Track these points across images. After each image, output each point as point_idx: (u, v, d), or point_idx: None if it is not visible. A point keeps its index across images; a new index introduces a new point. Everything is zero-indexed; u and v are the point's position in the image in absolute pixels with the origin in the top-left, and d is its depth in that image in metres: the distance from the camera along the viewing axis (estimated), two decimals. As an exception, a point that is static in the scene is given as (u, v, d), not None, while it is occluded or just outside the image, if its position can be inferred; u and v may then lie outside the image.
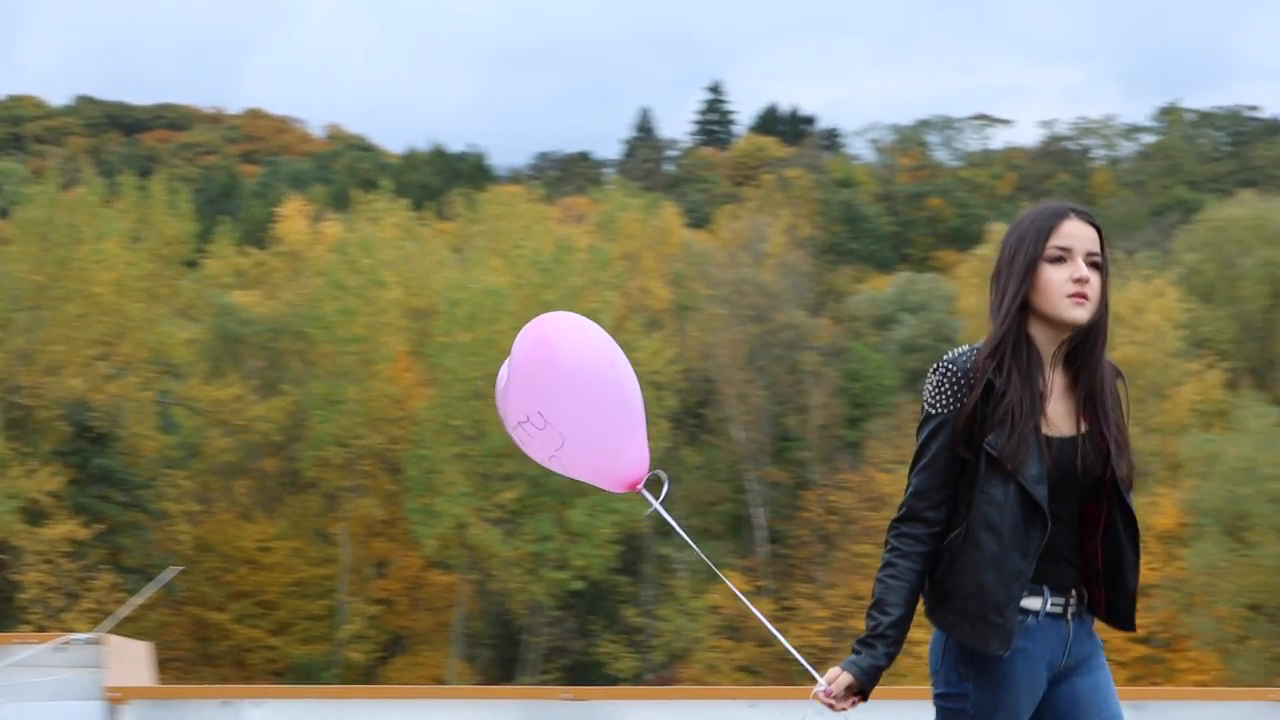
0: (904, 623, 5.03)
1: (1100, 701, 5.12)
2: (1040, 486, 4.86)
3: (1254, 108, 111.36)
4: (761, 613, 5.51)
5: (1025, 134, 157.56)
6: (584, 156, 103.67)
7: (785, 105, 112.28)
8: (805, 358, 60.58)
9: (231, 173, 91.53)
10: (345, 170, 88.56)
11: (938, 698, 5.10)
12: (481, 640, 57.17)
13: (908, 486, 5.06)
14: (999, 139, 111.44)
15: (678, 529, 6.18)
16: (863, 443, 59.43)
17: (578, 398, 6.01)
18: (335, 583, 56.38)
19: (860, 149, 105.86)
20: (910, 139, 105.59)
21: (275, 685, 43.10)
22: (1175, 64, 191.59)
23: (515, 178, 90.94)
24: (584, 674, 53.52)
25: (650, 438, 6.15)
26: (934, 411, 4.98)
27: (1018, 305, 4.97)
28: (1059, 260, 4.97)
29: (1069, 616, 5.03)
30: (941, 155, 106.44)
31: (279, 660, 55.17)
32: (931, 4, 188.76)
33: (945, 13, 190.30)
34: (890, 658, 5.04)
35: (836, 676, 5.02)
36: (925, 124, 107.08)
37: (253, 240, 69.24)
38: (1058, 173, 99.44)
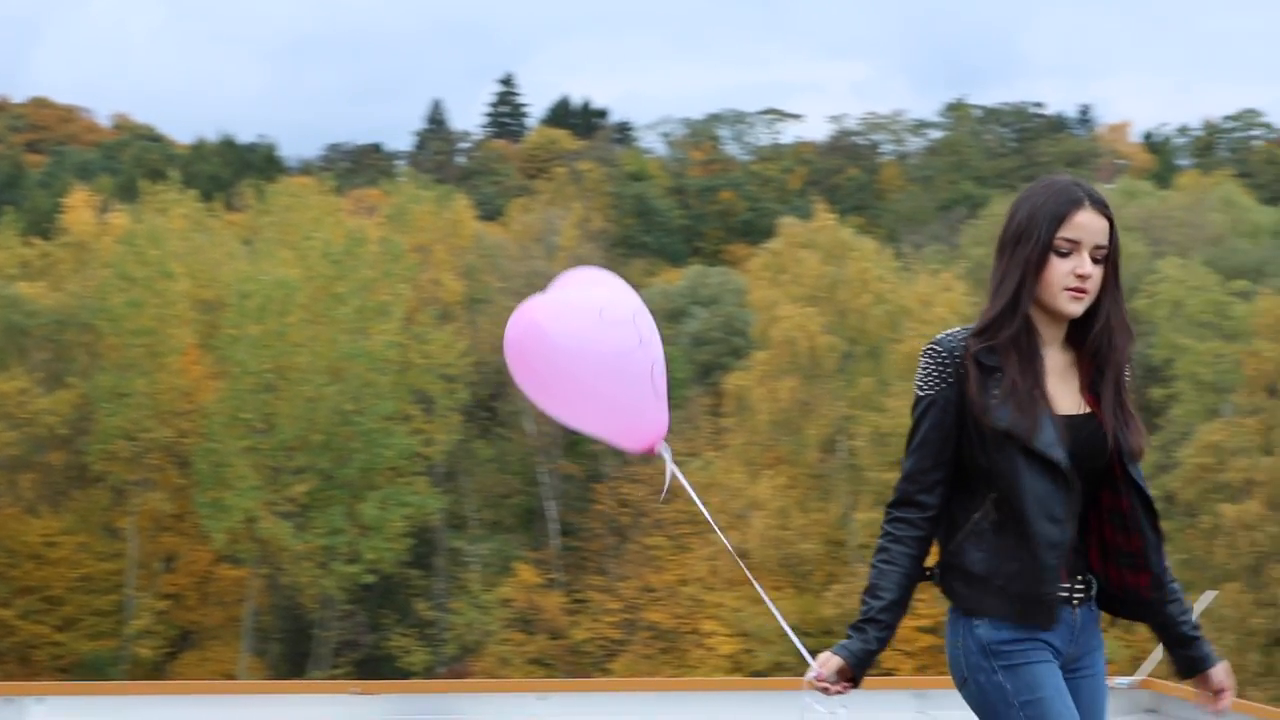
0: (897, 607, 4.96)
1: (1098, 703, 5.09)
2: (1055, 449, 4.79)
3: (1038, 104, 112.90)
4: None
5: (815, 129, 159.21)
6: (375, 148, 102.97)
7: (577, 98, 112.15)
8: (598, 350, 60.63)
9: (16, 162, 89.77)
10: (132, 160, 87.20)
11: (973, 698, 5.01)
12: (272, 635, 56.62)
13: (901, 470, 5.01)
14: (789, 133, 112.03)
15: (695, 498, 6.26)
16: (655, 435, 59.57)
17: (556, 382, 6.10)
18: (123, 578, 55.52)
19: (652, 142, 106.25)
20: (702, 133, 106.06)
21: (60, 682, 42.44)
22: (962, 61, 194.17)
23: (306, 169, 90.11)
24: (375, 668, 53.21)
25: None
26: (922, 393, 4.95)
27: (1024, 293, 4.90)
28: (1065, 253, 4.89)
29: (1075, 604, 4.95)
30: (733, 149, 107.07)
31: (65, 657, 54.23)
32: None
33: (735, 7, 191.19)
34: (882, 643, 4.97)
35: (827, 660, 4.97)
36: (716, 118, 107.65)
37: (38, 231, 67.96)
38: (847, 167, 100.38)
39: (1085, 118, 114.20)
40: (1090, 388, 4.94)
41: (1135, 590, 4.98)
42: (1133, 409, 4.97)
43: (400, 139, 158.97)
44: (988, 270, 4.99)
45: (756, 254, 62.80)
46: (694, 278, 71.84)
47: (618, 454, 58.53)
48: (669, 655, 53.49)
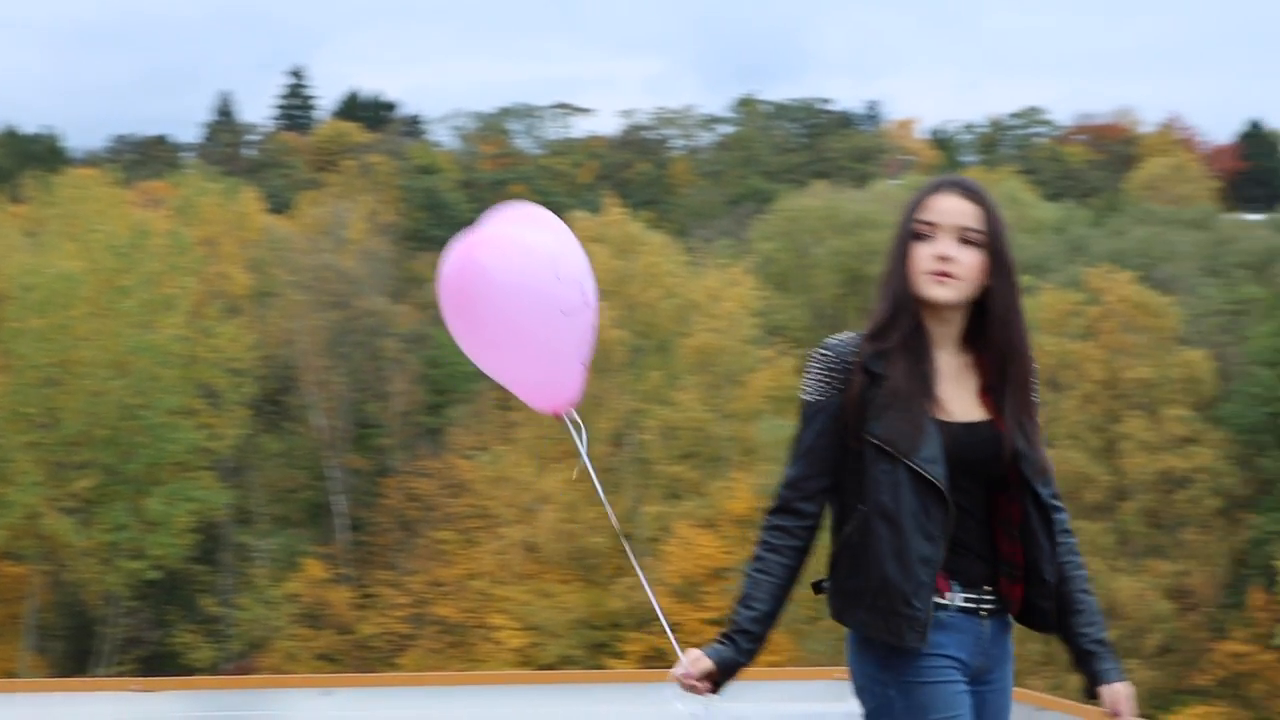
0: (769, 619, 4.85)
1: (1007, 709, 4.93)
2: (934, 465, 4.63)
3: (826, 100, 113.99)
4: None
5: (606, 123, 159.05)
6: (162, 140, 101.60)
7: (367, 91, 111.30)
8: (386, 344, 60.35)
9: None
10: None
11: (866, 710, 4.89)
12: (55, 632, 55.70)
13: (782, 477, 4.85)
14: (580, 128, 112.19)
15: (590, 467, 6.13)
16: (443, 429, 59.44)
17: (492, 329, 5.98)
18: (-101, 576, 54.41)
19: (442, 136, 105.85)
20: (492, 127, 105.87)
21: None
22: (752, 57, 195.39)
23: (91, 160, 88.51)
24: (160, 665, 52.56)
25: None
26: (809, 399, 4.79)
27: (898, 285, 4.77)
28: (924, 236, 4.75)
29: (984, 614, 4.80)
30: (523, 143, 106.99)
31: None
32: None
33: (527, 1, 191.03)
34: (751, 655, 4.86)
35: (698, 660, 4.86)
36: (507, 112, 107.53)
37: None
38: (637, 162, 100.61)
39: (873, 114, 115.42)
40: (988, 391, 4.80)
41: (1015, 601, 4.82)
42: (1036, 415, 4.83)
43: (188, 131, 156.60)
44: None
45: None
46: (483, 271, 71.68)
47: (406, 448, 58.39)
48: (458, 649, 53.36)
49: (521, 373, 6.06)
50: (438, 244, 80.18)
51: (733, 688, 8.46)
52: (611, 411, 54.81)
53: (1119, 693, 4.83)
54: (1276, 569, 43.11)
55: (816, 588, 4.97)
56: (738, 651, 4.83)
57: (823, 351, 4.82)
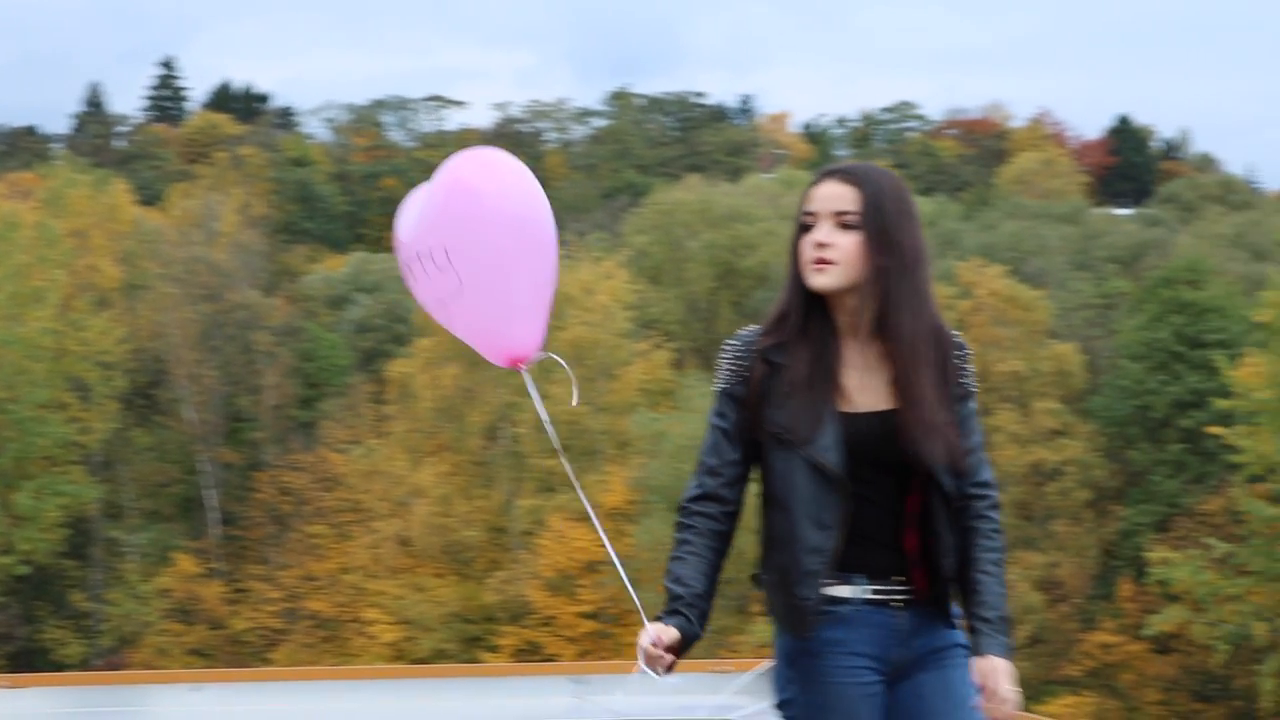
0: (707, 598, 4.68)
1: (951, 700, 4.75)
2: (829, 454, 4.59)
3: (700, 94, 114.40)
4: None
5: (479, 116, 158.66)
6: (30, 131, 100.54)
7: (239, 82, 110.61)
8: (258, 338, 59.94)
9: None
10: None
11: (775, 708, 4.83)
12: (-80, 630, 55.04)
13: (698, 464, 4.83)
14: (453, 120, 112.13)
15: (547, 423, 5.73)
16: (316, 423, 59.14)
17: (496, 248, 5.53)
18: None
19: (315, 128, 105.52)
20: (365, 119, 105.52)
21: None
22: (626, 50, 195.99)
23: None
24: (29, 661, 52.01)
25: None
26: (719, 388, 4.77)
27: (792, 276, 4.74)
28: (808, 226, 4.72)
29: (897, 605, 4.71)
30: (396, 136, 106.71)
31: None
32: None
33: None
34: (702, 629, 4.66)
35: (665, 629, 4.60)
36: (380, 104, 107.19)
37: None
38: (513, 152, 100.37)
39: (746, 108, 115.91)
40: (897, 382, 4.68)
41: (923, 591, 4.73)
42: (949, 402, 4.70)
43: (57, 122, 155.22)
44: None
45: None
46: (357, 265, 71.44)
47: (278, 442, 58.01)
48: (331, 644, 53.10)
49: (476, 328, 5.72)
50: (310, 237, 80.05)
51: (605, 681, 8.47)
52: (485, 405, 54.71)
53: (989, 665, 4.65)
54: (1145, 560, 43.58)
55: (755, 580, 4.87)
56: (690, 624, 4.62)
57: (731, 341, 4.80)
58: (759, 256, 63.52)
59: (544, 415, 5.68)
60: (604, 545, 5.37)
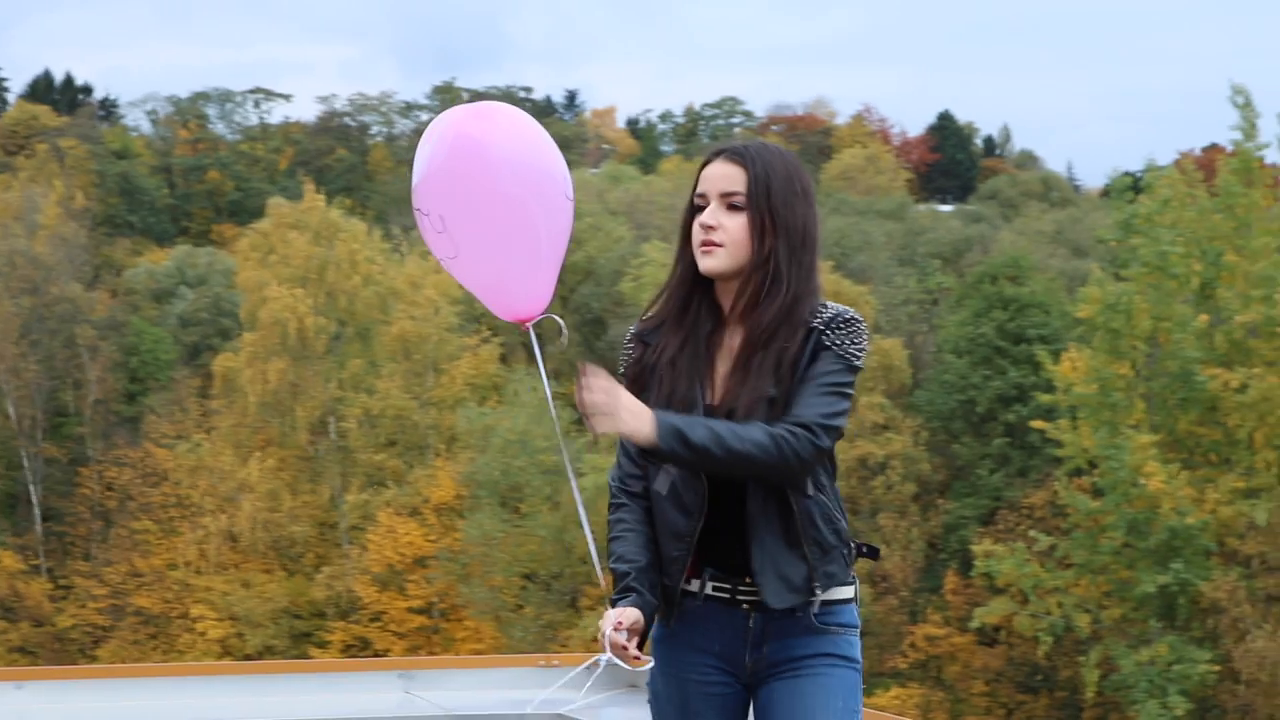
0: (651, 570, 4.53)
1: (801, 711, 4.54)
2: None
3: (526, 89, 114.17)
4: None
5: (304, 109, 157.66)
6: None
7: (59, 73, 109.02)
8: (81, 332, 59.16)
9: None
10: None
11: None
12: None
13: (618, 445, 4.67)
14: (278, 114, 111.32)
15: (546, 381, 5.75)
16: (141, 418, 58.50)
17: (488, 216, 5.36)
18: None
19: (137, 120, 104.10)
20: (188, 111, 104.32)
21: None
22: (451, 43, 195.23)
23: None
24: None
25: None
26: (619, 373, 4.60)
27: (679, 260, 4.63)
28: (699, 209, 4.59)
29: (745, 605, 4.53)
30: (220, 128, 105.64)
31: None
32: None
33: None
34: (652, 599, 4.51)
35: (624, 612, 4.44)
36: (203, 96, 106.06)
37: None
38: (337, 148, 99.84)
39: (572, 103, 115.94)
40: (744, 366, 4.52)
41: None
42: (763, 393, 4.44)
43: None
44: None
45: (245, 234, 62.10)
46: (181, 258, 70.74)
47: (103, 437, 57.30)
48: (157, 641, 52.60)
49: (479, 286, 5.59)
50: (133, 230, 78.93)
51: (434, 676, 8.47)
52: (312, 400, 54.41)
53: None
54: (971, 553, 44.08)
55: None
56: (644, 598, 4.48)
57: (630, 328, 4.73)
58: (585, 251, 63.55)
59: (548, 388, 5.75)
60: (584, 532, 5.20)
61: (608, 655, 4.42)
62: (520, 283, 5.55)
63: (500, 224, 5.40)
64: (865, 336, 4.54)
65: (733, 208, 4.54)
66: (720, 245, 4.51)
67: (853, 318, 4.51)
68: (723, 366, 4.55)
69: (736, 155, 4.59)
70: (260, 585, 52.39)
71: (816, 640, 4.54)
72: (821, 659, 4.54)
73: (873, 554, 4.71)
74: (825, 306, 4.53)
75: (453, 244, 5.42)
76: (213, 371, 57.72)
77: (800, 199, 4.61)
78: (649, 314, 4.70)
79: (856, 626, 4.64)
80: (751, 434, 4.31)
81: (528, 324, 5.56)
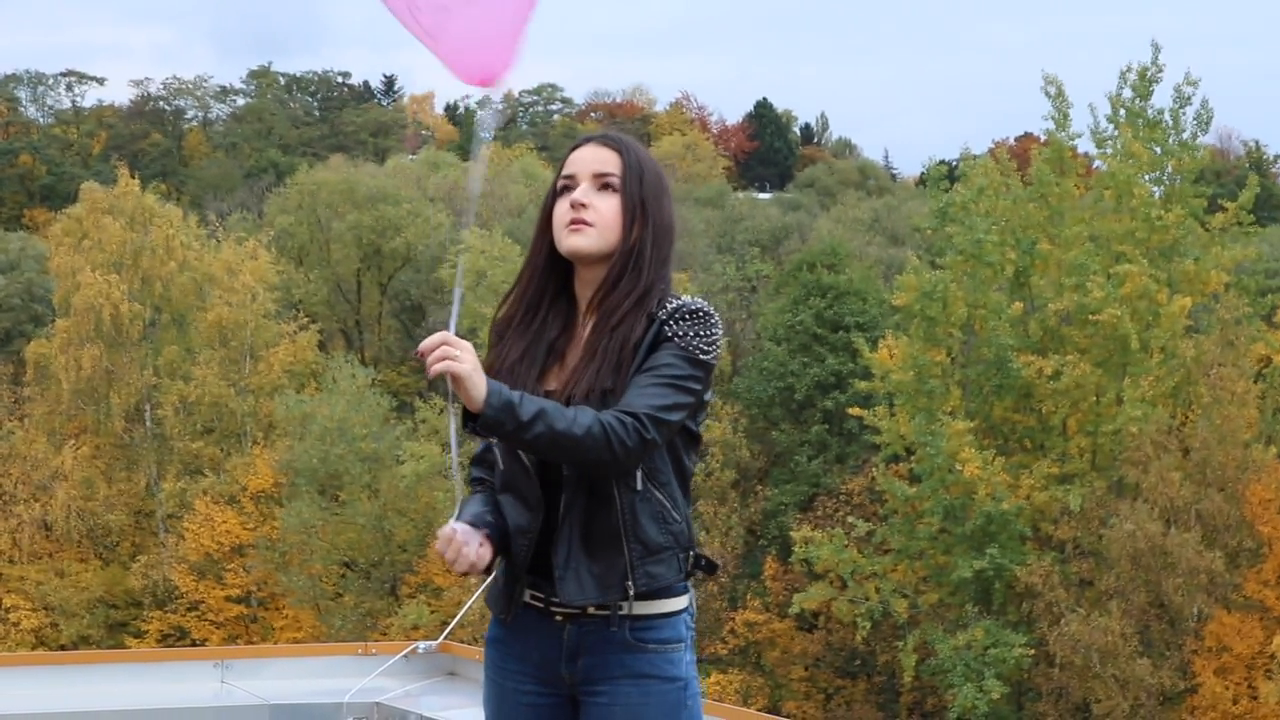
0: (497, 515, 4.41)
1: None
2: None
3: (344, 74, 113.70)
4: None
5: (118, 93, 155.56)
6: None
7: None
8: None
9: None
10: None
11: None
12: None
13: None
14: (91, 97, 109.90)
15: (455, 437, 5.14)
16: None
17: None
18: None
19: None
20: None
21: None
22: (268, 28, 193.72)
23: None
24: None
25: None
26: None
27: (535, 247, 4.54)
28: (565, 190, 4.50)
29: (559, 616, 4.42)
30: (31, 112, 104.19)
31: None
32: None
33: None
34: (494, 522, 4.39)
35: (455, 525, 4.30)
36: (14, 79, 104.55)
37: None
38: (152, 132, 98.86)
39: (390, 88, 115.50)
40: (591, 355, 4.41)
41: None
42: (601, 382, 4.34)
43: None
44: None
45: (58, 220, 61.22)
46: (-8, 243, 69.74)
47: None
48: (-32, 632, 51.78)
49: (461, 34, 4.66)
50: (-58, 215, 77.03)
51: (251, 665, 8.39)
52: (127, 386, 53.78)
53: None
54: (790, 539, 44.38)
55: None
56: (487, 518, 4.39)
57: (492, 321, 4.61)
58: (404, 238, 63.36)
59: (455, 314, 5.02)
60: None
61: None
62: (507, 34, 4.70)
63: None
64: (716, 330, 4.41)
65: (606, 189, 4.47)
66: (591, 224, 4.43)
67: (700, 309, 4.41)
68: (572, 357, 4.46)
69: (611, 141, 4.54)
70: (75, 574, 51.74)
71: (633, 659, 4.40)
72: (639, 681, 4.40)
73: (709, 569, 4.55)
74: (674, 298, 4.44)
75: None
76: (25, 358, 56.84)
77: (666, 194, 4.57)
78: (503, 308, 4.59)
79: (682, 641, 4.48)
80: (579, 418, 4.16)
81: (493, 83, 4.69)
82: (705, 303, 4.43)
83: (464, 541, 4.27)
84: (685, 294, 4.47)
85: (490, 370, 4.35)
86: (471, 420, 4.14)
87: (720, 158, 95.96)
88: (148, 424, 54.05)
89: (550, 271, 4.54)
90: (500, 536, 4.38)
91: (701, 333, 4.37)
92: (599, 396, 4.31)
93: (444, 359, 4.06)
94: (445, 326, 4.40)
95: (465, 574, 4.28)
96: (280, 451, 51.05)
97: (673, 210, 4.59)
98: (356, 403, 48.91)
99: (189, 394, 53.08)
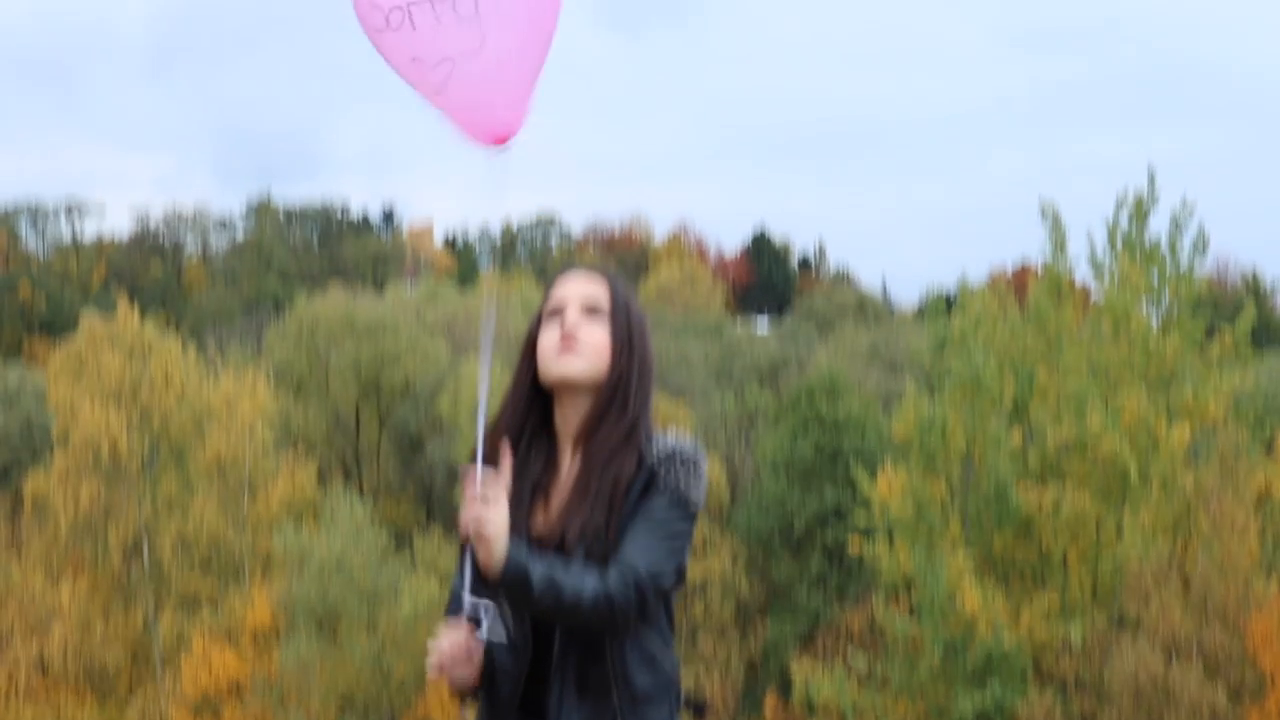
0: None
1: None
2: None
3: (343, 205, 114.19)
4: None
5: (118, 222, 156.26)
6: None
7: None
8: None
9: None
10: None
11: None
12: None
13: None
14: (92, 227, 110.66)
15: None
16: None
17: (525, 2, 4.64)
18: None
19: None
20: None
21: None
22: (267, 154, 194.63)
23: None
24: None
25: None
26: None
27: (519, 379, 4.53)
28: (551, 318, 4.52)
29: None
30: (32, 243, 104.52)
31: None
32: (18, 83, 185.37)
33: (33, 93, 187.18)
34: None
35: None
36: (14, 210, 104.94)
37: None
38: (151, 262, 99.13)
39: (389, 218, 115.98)
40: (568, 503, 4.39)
41: None
42: (595, 523, 4.33)
43: None
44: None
45: (57, 351, 61.22)
46: (-11, 376, 69.68)
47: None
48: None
49: (477, 93, 4.66)
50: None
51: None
52: (126, 521, 53.58)
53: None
54: (790, 675, 44.07)
55: None
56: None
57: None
58: (403, 369, 63.36)
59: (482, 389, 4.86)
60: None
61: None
62: (515, 89, 4.71)
63: (539, 18, 4.70)
64: (704, 475, 4.42)
65: (595, 318, 4.48)
66: (582, 352, 4.43)
67: (692, 456, 4.39)
68: (557, 492, 4.43)
69: (599, 272, 4.57)
70: (72, 714, 51.35)
71: None
72: None
73: (699, 710, 4.55)
74: (663, 436, 4.41)
75: (478, 33, 4.61)
76: (22, 493, 56.67)
77: (649, 329, 4.59)
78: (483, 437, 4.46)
79: None
80: (584, 588, 4.14)
81: (506, 141, 4.70)
82: (693, 445, 4.44)
83: (464, 658, 4.31)
84: (671, 427, 4.46)
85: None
86: (485, 578, 4.17)
87: (719, 286, 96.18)
88: (145, 559, 53.83)
89: (532, 403, 4.53)
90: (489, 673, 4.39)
91: (695, 481, 4.37)
92: (593, 537, 4.29)
93: (474, 518, 4.07)
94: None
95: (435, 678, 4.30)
96: (278, 587, 50.81)
97: (652, 345, 4.60)
98: (355, 537, 48.73)
99: (187, 529, 52.89)
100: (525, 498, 4.42)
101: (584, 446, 4.43)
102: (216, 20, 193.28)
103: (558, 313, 4.51)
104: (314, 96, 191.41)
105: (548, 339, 4.49)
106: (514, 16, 4.62)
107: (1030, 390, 42.85)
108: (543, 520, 4.40)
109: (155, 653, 52.77)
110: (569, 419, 4.49)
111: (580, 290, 4.52)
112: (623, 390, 4.44)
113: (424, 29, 4.61)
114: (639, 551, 4.26)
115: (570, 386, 4.47)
